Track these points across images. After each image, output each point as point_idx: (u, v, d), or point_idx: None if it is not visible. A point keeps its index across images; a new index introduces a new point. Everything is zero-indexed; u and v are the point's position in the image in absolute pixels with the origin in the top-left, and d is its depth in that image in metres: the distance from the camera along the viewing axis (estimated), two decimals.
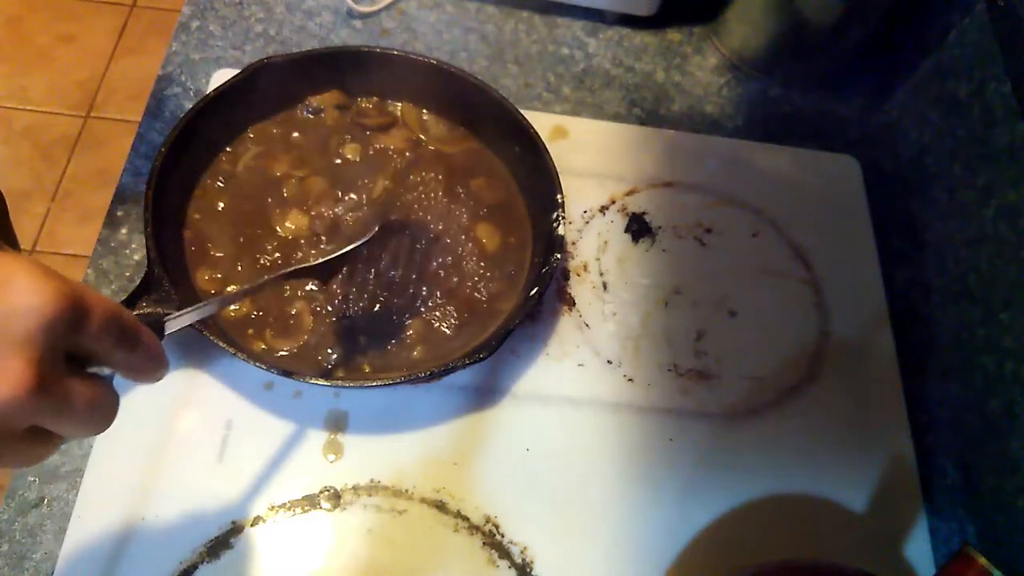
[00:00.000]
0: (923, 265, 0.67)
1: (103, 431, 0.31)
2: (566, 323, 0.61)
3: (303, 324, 0.54)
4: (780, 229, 0.67)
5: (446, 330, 0.56)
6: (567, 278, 0.62)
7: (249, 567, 0.50)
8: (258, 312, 0.55)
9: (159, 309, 0.49)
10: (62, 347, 0.28)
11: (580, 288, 0.62)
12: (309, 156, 0.61)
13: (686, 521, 0.54)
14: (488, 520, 0.53)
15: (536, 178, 0.60)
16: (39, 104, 1.66)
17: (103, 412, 0.31)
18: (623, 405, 0.58)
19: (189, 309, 0.39)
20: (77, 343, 0.29)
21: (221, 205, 0.59)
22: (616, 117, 0.72)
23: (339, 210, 0.59)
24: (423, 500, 0.53)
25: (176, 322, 0.37)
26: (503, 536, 0.53)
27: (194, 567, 0.49)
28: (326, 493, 0.53)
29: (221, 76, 0.66)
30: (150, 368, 0.33)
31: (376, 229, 0.53)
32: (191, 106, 0.57)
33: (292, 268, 0.49)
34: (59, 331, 0.27)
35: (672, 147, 0.70)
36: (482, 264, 0.59)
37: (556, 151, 0.59)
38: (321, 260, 0.50)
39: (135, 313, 0.49)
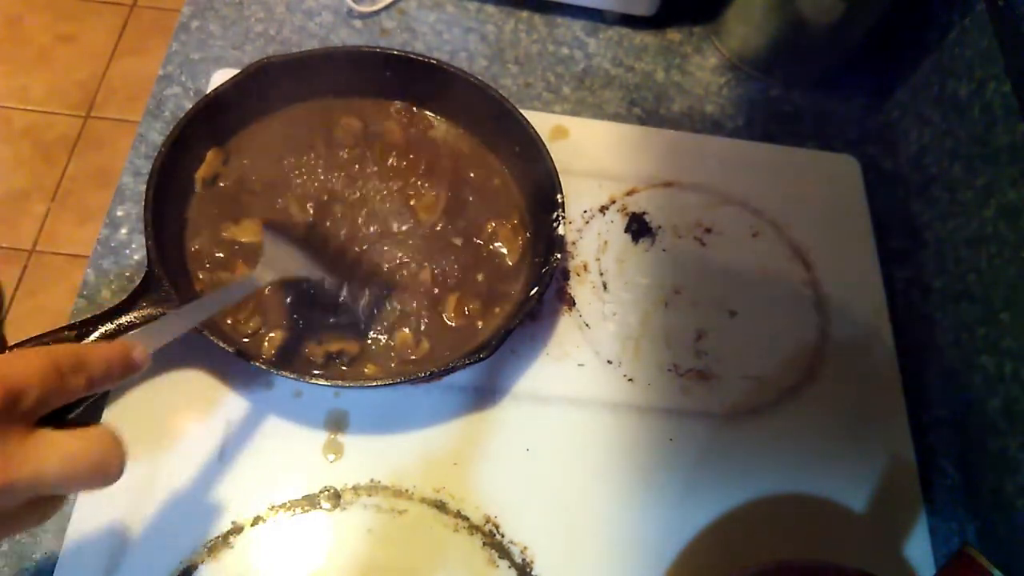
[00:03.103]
0: (923, 265, 0.67)
1: (109, 478, 0.32)
2: (566, 323, 0.61)
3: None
4: (780, 229, 0.67)
5: (445, 330, 0.56)
6: (567, 278, 0.62)
7: (249, 567, 0.50)
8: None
9: (159, 310, 0.49)
10: (12, 423, 0.29)
11: (580, 288, 0.62)
12: (307, 155, 0.61)
13: (686, 521, 0.54)
14: (488, 520, 0.53)
15: (536, 178, 0.60)
16: (39, 104, 1.66)
17: (93, 460, 0.31)
18: (623, 405, 0.58)
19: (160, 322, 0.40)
20: (28, 410, 0.30)
21: (221, 205, 0.59)
22: (616, 117, 0.72)
23: (336, 209, 0.59)
24: (423, 500, 0.53)
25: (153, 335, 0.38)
26: (503, 536, 0.53)
27: (194, 567, 0.49)
28: (326, 493, 0.53)
29: (221, 76, 0.66)
30: (116, 374, 0.34)
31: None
32: (191, 106, 0.57)
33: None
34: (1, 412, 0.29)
35: (672, 147, 0.70)
36: (481, 263, 0.59)
37: (556, 151, 0.59)
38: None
39: (133, 314, 0.49)
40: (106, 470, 0.32)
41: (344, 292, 0.56)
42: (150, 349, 0.37)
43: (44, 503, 0.32)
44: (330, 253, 0.57)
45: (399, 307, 0.56)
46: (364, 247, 0.58)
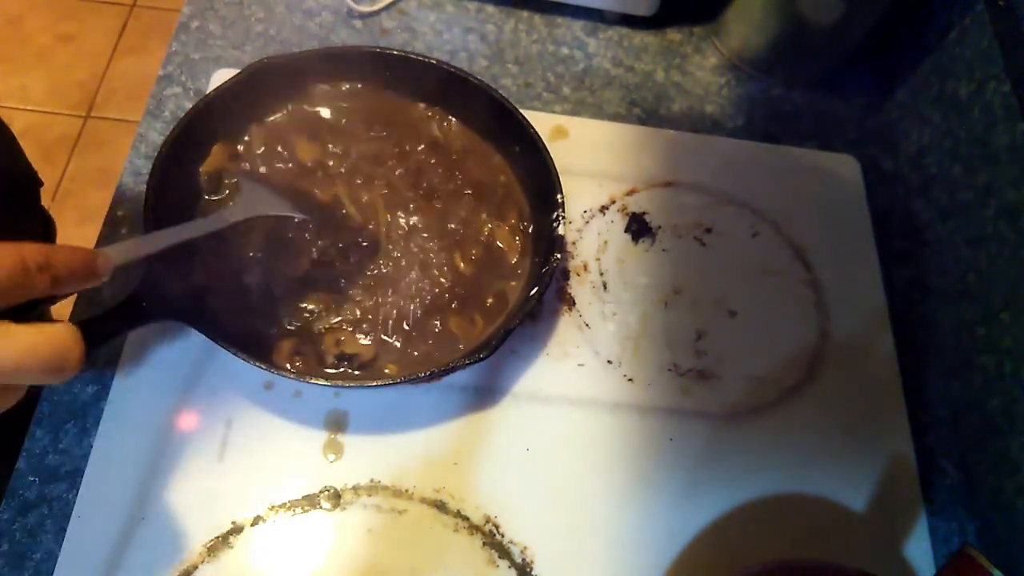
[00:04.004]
0: (923, 265, 0.67)
1: (65, 370, 0.32)
2: (566, 323, 0.61)
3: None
4: (780, 229, 0.67)
5: (444, 330, 0.56)
6: (567, 278, 0.62)
7: (249, 567, 0.50)
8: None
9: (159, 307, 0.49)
10: None
11: (580, 288, 0.62)
12: (308, 155, 0.61)
13: (686, 521, 0.54)
14: (488, 520, 0.53)
15: (536, 178, 0.60)
16: (39, 104, 1.66)
17: (51, 351, 0.32)
18: (623, 405, 0.58)
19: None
20: None
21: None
22: (616, 117, 0.72)
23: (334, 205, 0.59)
24: (423, 500, 0.53)
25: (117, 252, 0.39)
26: (503, 536, 0.53)
27: (194, 567, 0.50)
28: (326, 493, 0.53)
29: (221, 76, 0.66)
30: (79, 279, 0.35)
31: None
32: (191, 106, 0.57)
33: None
34: None
35: (672, 147, 0.70)
36: (481, 263, 0.59)
37: (556, 151, 0.59)
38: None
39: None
40: (63, 362, 0.32)
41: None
42: (114, 262, 0.38)
43: (4, 392, 0.33)
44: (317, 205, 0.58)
45: (412, 306, 0.57)
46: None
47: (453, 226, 0.60)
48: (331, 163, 0.61)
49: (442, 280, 0.58)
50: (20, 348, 0.31)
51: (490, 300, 0.58)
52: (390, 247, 0.58)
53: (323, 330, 0.55)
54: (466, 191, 0.61)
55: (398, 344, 0.55)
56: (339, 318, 0.56)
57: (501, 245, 0.60)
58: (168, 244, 0.46)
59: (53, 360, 0.32)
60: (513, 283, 0.59)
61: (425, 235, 0.59)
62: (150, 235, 0.46)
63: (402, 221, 0.59)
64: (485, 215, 0.61)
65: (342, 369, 0.54)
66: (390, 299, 0.56)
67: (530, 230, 0.61)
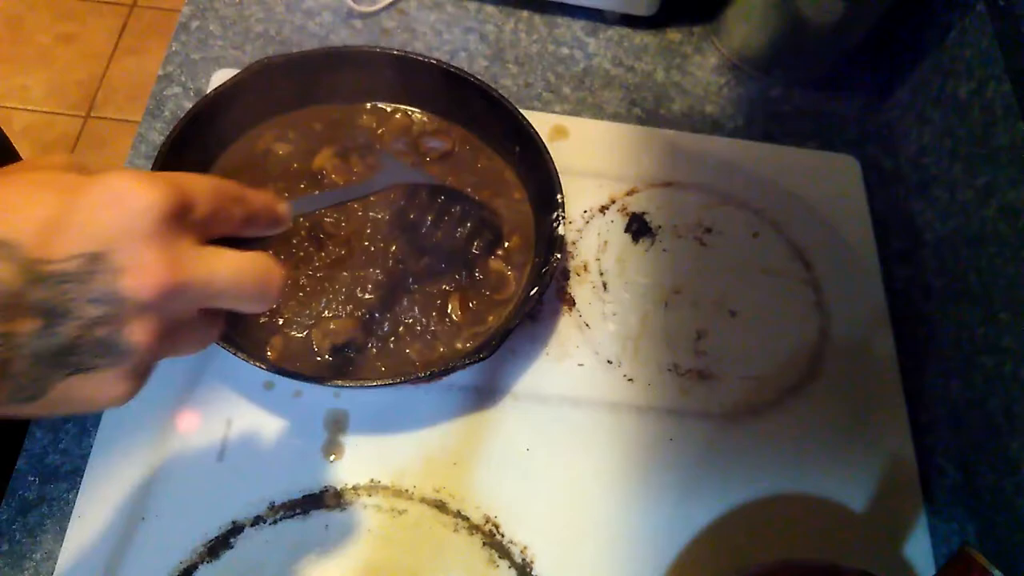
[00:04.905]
0: (923, 265, 0.67)
1: (270, 293, 0.34)
2: (566, 323, 0.61)
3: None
4: (780, 229, 0.67)
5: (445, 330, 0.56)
6: (567, 278, 0.62)
7: (249, 567, 0.50)
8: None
9: None
10: (185, 230, 0.31)
11: (580, 288, 0.62)
12: (309, 155, 0.61)
13: (686, 521, 0.54)
14: (488, 520, 0.53)
15: (536, 178, 0.60)
16: (39, 104, 1.66)
17: (257, 274, 0.33)
18: (623, 405, 0.58)
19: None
20: (198, 223, 0.32)
21: None
22: (616, 117, 0.72)
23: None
24: (423, 500, 0.53)
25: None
26: (503, 536, 0.53)
27: (194, 567, 0.50)
28: (326, 493, 0.53)
29: (221, 76, 0.66)
30: (268, 212, 0.37)
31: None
32: (191, 106, 0.57)
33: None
34: (176, 216, 0.30)
35: (672, 147, 0.70)
36: (472, 311, 0.58)
37: (556, 151, 0.59)
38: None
39: None
40: (268, 284, 0.33)
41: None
42: (292, 212, 0.40)
43: (208, 322, 0.34)
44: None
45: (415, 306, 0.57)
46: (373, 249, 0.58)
47: (451, 227, 0.59)
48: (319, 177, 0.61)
49: (434, 315, 0.57)
50: (232, 268, 0.32)
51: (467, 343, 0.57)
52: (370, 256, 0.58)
53: (305, 322, 0.55)
54: (464, 192, 0.61)
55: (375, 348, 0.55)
56: (310, 311, 0.55)
57: (495, 279, 0.59)
58: (326, 204, 0.51)
59: (261, 281, 0.33)
60: (513, 284, 0.58)
61: (421, 236, 0.59)
62: (314, 195, 0.53)
63: (394, 249, 0.59)
64: (482, 216, 0.60)
65: (343, 355, 0.54)
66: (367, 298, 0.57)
67: (530, 230, 0.60)
